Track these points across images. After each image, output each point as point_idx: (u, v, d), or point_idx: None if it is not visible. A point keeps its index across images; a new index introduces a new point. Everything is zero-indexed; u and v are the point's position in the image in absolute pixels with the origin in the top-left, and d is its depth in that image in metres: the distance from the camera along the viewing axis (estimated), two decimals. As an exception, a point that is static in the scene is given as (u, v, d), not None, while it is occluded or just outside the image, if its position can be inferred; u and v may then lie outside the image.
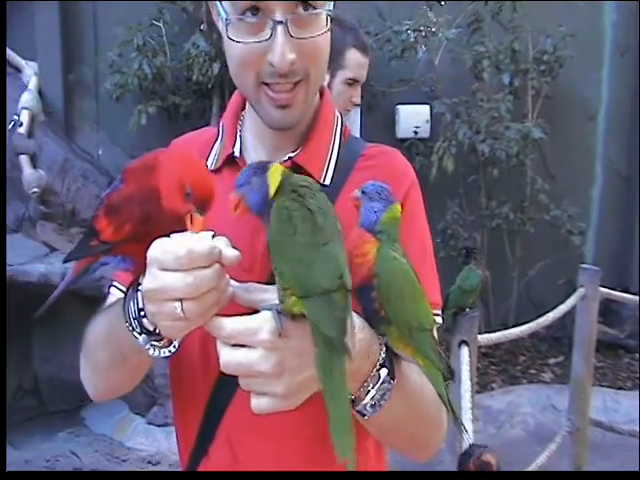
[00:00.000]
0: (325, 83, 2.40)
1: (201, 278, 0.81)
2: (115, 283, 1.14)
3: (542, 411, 4.28)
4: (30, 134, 3.90)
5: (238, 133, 1.15)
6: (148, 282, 0.84)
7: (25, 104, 3.89)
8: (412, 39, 4.29)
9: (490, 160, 4.49)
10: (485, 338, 3.11)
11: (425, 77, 4.53)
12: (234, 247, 0.85)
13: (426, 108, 4.58)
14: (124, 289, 1.09)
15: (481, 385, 4.39)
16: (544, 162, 4.94)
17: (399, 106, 4.54)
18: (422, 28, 4.32)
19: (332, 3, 1.01)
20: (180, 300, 0.81)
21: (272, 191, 0.86)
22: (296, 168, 1.08)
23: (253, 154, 1.13)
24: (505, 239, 4.78)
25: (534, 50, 4.66)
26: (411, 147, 4.54)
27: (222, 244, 0.84)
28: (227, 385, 1.05)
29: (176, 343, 0.93)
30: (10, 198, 3.92)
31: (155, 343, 0.92)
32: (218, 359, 1.02)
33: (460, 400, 2.59)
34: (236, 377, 0.92)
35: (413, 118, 4.54)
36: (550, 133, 4.60)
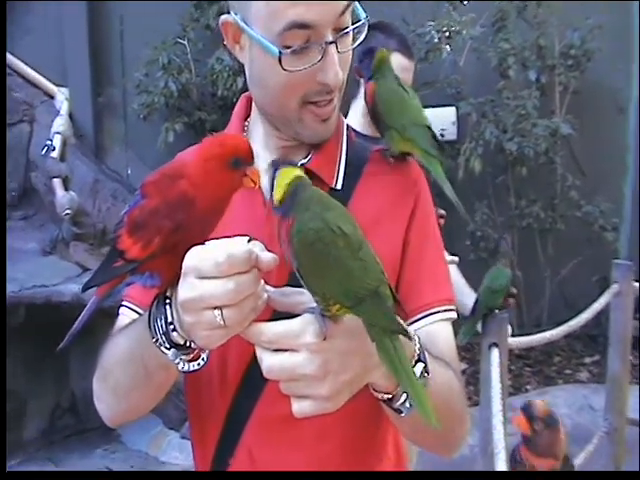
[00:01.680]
0: None
1: (241, 284, 0.80)
2: (125, 303, 1.14)
3: (579, 412, 4.24)
4: (62, 158, 4.00)
5: None
6: (186, 292, 0.82)
7: (57, 129, 3.99)
8: (436, 40, 4.25)
9: (518, 159, 4.43)
10: (517, 341, 3.09)
11: (450, 78, 4.49)
12: (269, 251, 0.84)
13: (452, 110, 4.54)
14: (136, 308, 1.12)
15: (516, 387, 4.37)
16: (574, 158, 4.86)
17: (425, 109, 4.51)
18: (445, 28, 4.27)
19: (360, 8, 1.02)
20: (220, 308, 0.80)
21: (277, 197, 0.84)
22: (308, 174, 1.09)
23: (263, 164, 1.10)
24: (536, 238, 4.73)
25: (561, 45, 4.58)
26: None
27: (258, 248, 0.84)
28: (246, 398, 1.06)
29: (204, 356, 0.92)
30: (45, 221, 4.03)
31: (184, 357, 0.91)
32: (235, 371, 1.05)
33: (491, 403, 2.60)
34: (260, 386, 0.93)
35: (439, 121, 4.50)
36: (579, 128, 4.52)
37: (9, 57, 4.10)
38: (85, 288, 0.95)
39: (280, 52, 0.97)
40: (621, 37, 4.90)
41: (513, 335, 2.88)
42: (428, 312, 1.09)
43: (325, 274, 0.80)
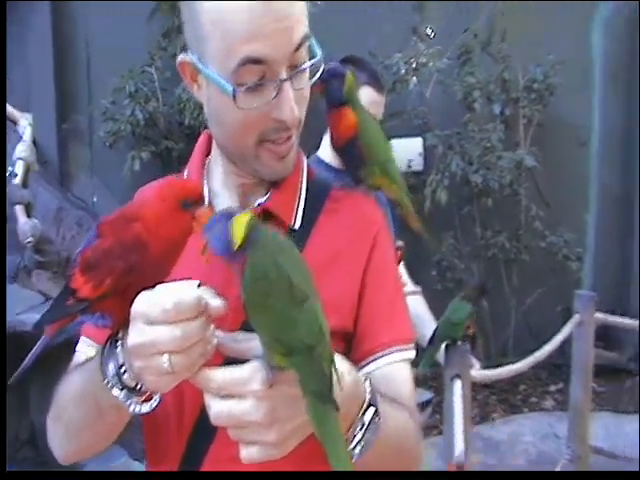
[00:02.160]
0: None
1: (189, 330, 0.80)
2: (83, 339, 1.12)
3: (543, 440, 4.26)
4: (25, 184, 3.93)
5: (204, 181, 1.15)
6: (135, 337, 0.82)
7: (20, 155, 3.92)
8: (403, 72, 4.32)
9: (484, 190, 4.51)
10: (482, 374, 3.11)
11: (417, 110, 4.56)
12: (223, 295, 0.84)
13: (419, 141, 4.60)
14: (92, 344, 1.10)
15: (482, 416, 4.39)
16: (538, 190, 4.95)
17: (392, 140, 4.54)
18: (412, 60, 4.34)
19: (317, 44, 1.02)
20: (168, 354, 0.80)
21: (236, 242, 0.83)
22: (267, 214, 1.09)
23: (222, 201, 1.13)
24: (502, 268, 4.79)
25: (524, 79, 4.68)
26: (405, 180, 4.55)
27: (208, 294, 0.83)
28: (201, 441, 1.05)
29: (157, 397, 0.91)
30: (7, 249, 3.95)
31: (135, 399, 0.90)
32: (191, 413, 1.04)
33: (453, 434, 2.60)
34: (213, 429, 0.91)
35: (406, 151, 4.56)
36: (543, 160, 4.62)
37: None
38: (37, 325, 0.94)
39: (234, 90, 0.97)
40: (582, 72, 5.04)
41: (480, 361, 2.90)
42: (385, 352, 1.08)
43: (265, 313, 0.81)
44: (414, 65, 4.29)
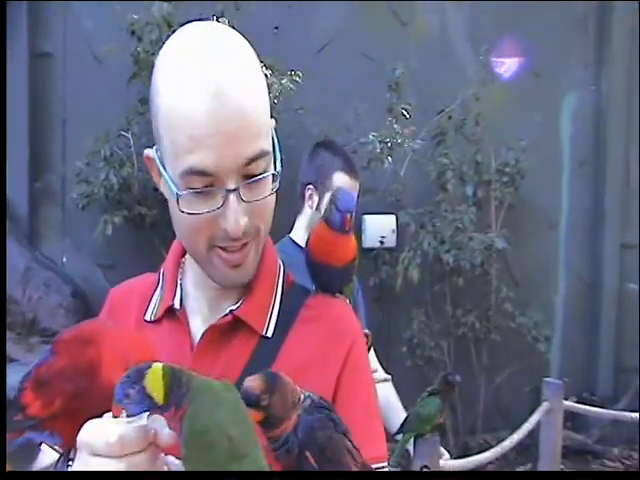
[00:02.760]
0: (314, 204, 2.44)
1: (134, 464, 0.78)
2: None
3: (510, 524, 4.16)
4: (-8, 242, 3.86)
5: (178, 282, 1.13)
6: (79, 467, 0.80)
7: (-11, 213, 3.87)
8: (378, 150, 4.39)
9: (455, 269, 4.54)
10: (450, 465, 3.06)
11: (391, 187, 4.62)
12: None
13: (392, 218, 4.65)
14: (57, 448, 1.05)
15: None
16: (508, 270, 5.01)
17: (365, 216, 4.60)
18: (388, 139, 4.43)
19: (279, 159, 1.01)
20: None
21: (159, 400, 0.79)
22: (237, 321, 1.07)
23: (194, 304, 1.11)
24: (471, 347, 4.78)
25: (496, 162, 4.80)
26: (377, 256, 4.58)
27: (158, 424, 0.81)
28: None
29: None
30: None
31: None
32: None
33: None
34: None
35: (379, 228, 4.60)
36: (514, 242, 4.69)
37: None
38: None
39: (177, 194, 0.96)
40: (552, 156, 5.20)
41: (447, 445, 2.85)
42: None
43: (205, 466, 0.78)
44: (389, 144, 4.37)
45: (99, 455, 0.77)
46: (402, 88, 4.53)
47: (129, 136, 4.00)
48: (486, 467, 4.72)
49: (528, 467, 4.73)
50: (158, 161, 1.01)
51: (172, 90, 0.95)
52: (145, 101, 4.11)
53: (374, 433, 1.09)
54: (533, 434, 4.40)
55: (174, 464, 0.85)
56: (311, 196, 2.45)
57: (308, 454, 0.87)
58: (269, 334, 1.08)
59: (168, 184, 0.98)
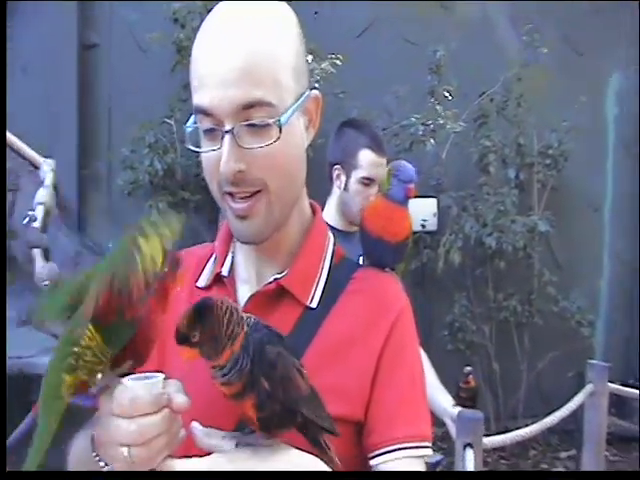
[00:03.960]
0: (342, 183, 2.45)
1: (145, 425, 0.81)
2: None
3: (554, 508, 4.15)
4: (44, 228, 3.97)
5: (229, 252, 1.15)
6: (97, 427, 0.85)
7: (40, 199, 3.96)
8: (420, 133, 4.38)
9: (497, 253, 4.51)
10: (492, 441, 3.06)
11: (432, 170, 4.60)
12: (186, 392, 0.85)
13: (433, 201, 4.64)
14: None
15: (490, 482, 4.28)
16: (551, 254, 4.96)
17: (407, 199, 4.59)
18: (429, 122, 4.41)
19: (287, 114, 1.00)
20: (127, 446, 0.81)
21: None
22: (282, 290, 1.08)
23: (243, 273, 1.13)
24: (513, 331, 4.75)
25: (539, 144, 4.75)
26: (419, 240, 4.57)
27: (172, 389, 0.84)
28: None
29: None
30: (22, 290, 3.96)
31: None
32: None
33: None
34: None
35: (421, 211, 4.59)
36: (557, 225, 4.63)
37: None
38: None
39: (186, 127, 1.02)
40: (595, 139, 5.11)
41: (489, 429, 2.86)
42: (394, 447, 1.02)
43: None
44: (431, 127, 4.35)
45: (114, 415, 0.82)
46: (443, 71, 4.50)
47: (172, 123, 4.07)
48: (529, 452, 4.72)
49: (572, 453, 4.70)
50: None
51: (196, 38, 1.02)
52: (187, 88, 4.17)
53: (417, 411, 1.07)
54: (577, 420, 4.37)
55: (197, 429, 0.89)
56: (339, 176, 2.43)
57: (259, 372, 0.85)
58: (314, 305, 1.08)
59: (187, 129, 1.04)
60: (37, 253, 3.92)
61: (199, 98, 0.98)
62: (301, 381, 0.89)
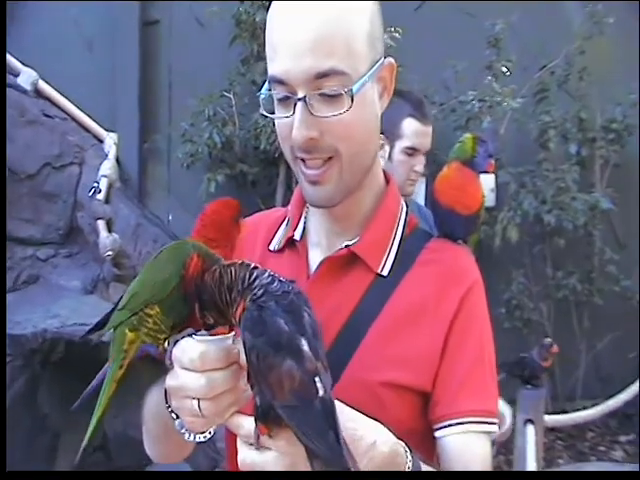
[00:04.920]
0: (386, 154, 2.42)
1: (214, 380, 0.84)
2: None
3: (611, 493, 4.06)
4: (107, 200, 4.09)
5: (303, 217, 1.17)
6: (169, 379, 0.88)
7: (104, 172, 4.10)
8: (477, 109, 4.31)
9: (556, 230, 4.41)
10: (554, 419, 3.01)
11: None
12: None
13: (491, 177, 4.56)
14: None
15: (547, 460, 4.21)
16: (613, 232, 4.82)
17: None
18: (487, 98, 4.34)
19: (360, 83, 1.00)
20: (197, 399, 0.84)
21: None
22: (353, 257, 1.09)
23: (315, 238, 1.15)
24: (572, 310, 4.65)
25: (602, 118, 4.61)
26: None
27: (242, 346, 0.85)
28: None
29: (212, 429, 0.93)
30: (88, 260, 4.11)
31: None
32: None
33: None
34: None
35: (478, 187, 4.52)
36: (619, 202, 4.50)
37: (65, 102, 4.28)
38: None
39: (261, 94, 1.03)
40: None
41: (546, 409, 2.81)
42: (461, 421, 1.02)
43: None
44: (488, 103, 4.27)
45: (185, 369, 0.85)
46: (502, 44, 4.41)
47: (231, 96, 4.12)
48: (586, 434, 4.62)
49: (630, 438, 4.59)
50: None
51: (270, 8, 1.03)
52: (246, 62, 4.23)
53: (484, 385, 1.06)
54: (637, 403, 4.25)
55: None
56: (382, 146, 2.38)
57: (250, 358, 0.82)
58: (385, 273, 1.09)
59: (262, 96, 1.06)
60: (101, 224, 4.05)
61: (273, 67, 1.00)
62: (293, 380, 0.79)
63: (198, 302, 0.89)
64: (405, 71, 4.24)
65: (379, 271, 1.08)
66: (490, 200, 4.59)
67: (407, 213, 1.17)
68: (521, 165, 4.51)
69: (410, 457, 0.89)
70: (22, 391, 3.59)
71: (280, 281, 0.85)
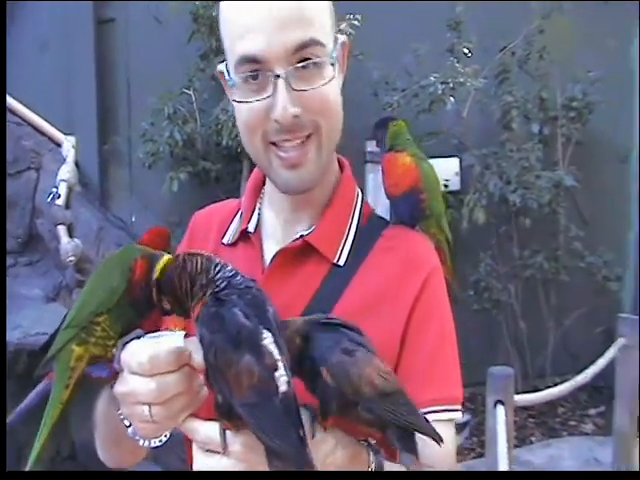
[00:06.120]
0: None
1: (165, 384, 0.81)
2: None
3: (584, 465, 4.16)
4: (67, 205, 4.01)
5: (256, 209, 1.14)
6: (118, 384, 0.85)
7: (63, 176, 4.01)
8: (440, 92, 4.29)
9: (522, 210, 4.45)
10: (523, 399, 3.07)
11: (454, 130, 4.53)
12: None
13: (455, 161, 4.57)
14: None
15: (519, 439, 4.31)
16: (577, 209, 4.88)
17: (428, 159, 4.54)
18: (449, 80, 4.32)
19: (335, 51, 1.00)
20: (149, 404, 0.81)
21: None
22: (309, 247, 1.07)
23: (269, 229, 1.13)
24: (539, 289, 4.72)
25: (563, 97, 4.63)
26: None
27: (193, 346, 0.83)
28: None
29: (167, 433, 0.90)
30: (49, 267, 4.03)
31: None
32: None
33: (497, 460, 2.56)
34: None
35: (443, 171, 4.52)
36: (582, 179, 4.55)
37: (19, 106, 4.16)
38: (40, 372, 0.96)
39: (230, 80, 1.00)
40: (621, 89, 4.97)
41: (517, 388, 2.86)
42: (423, 410, 0.98)
43: None
44: (451, 85, 4.25)
45: (134, 373, 0.82)
46: (463, 26, 4.39)
47: (191, 93, 4.04)
48: (557, 409, 4.73)
49: (600, 410, 4.70)
50: (225, 71, 1.03)
51: None
52: (205, 57, 4.14)
53: (447, 372, 1.05)
54: (605, 376, 4.35)
55: None
56: None
57: (207, 355, 0.80)
58: (341, 262, 1.07)
59: (226, 76, 1.02)
60: (61, 230, 3.98)
61: (245, 46, 0.96)
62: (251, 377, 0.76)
63: (156, 286, 0.87)
64: (365, 59, 4.21)
65: (335, 261, 1.07)
66: (455, 184, 4.61)
67: (362, 200, 1.15)
68: (485, 147, 4.52)
69: (373, 458, 0.89)
70: (-15, 405, 3.56)
71: (242, 276, 0.84)
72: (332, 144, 1.05)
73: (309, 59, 0.96)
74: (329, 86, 0.99)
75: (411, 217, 1.18)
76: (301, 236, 1.07)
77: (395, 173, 1.19)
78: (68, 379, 0.89)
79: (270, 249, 1.10)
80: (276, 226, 1.11)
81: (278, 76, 0.95)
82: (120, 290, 0.88)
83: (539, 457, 4.19)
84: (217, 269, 0.83)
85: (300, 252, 1.07)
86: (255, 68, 0.96)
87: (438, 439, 0.87)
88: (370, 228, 1.12)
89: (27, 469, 0.93)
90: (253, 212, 1.14)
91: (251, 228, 1.13)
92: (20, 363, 3.55)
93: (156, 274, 0.87)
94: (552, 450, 4.26)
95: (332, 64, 0.99)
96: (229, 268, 0.84)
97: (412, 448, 0.87)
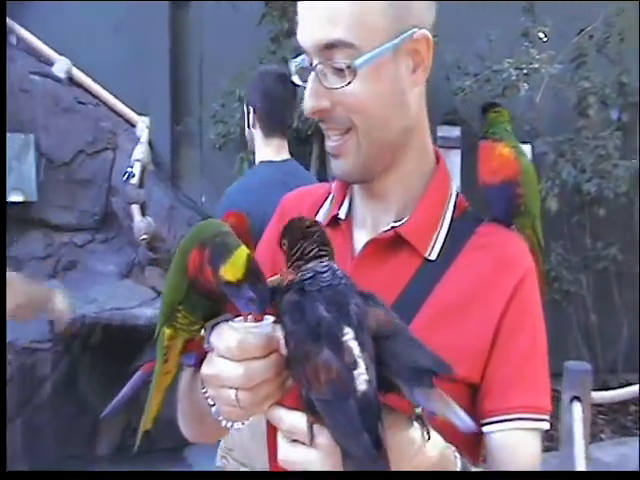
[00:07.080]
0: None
1: (252, 369, 0.79)
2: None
3: (659, 466, 4.02)
4: (141, 184, 4.12)
5: (347, 194, 1.12)
6: (206, 367, 0.84)
7: (137, 156, 4.12)
8: (513, 77, 4.20)
9: (596, 199, 4.31)
10: (601, 396, 2.98)
11: (526, 115, 4.42)
12: None
13: (527, 148, 4.44)
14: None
15: (590, 435, 4.18)
16: (656, 200, 4.69)
17: (500, 144, 4.45)
18: (523, 66, 4.22)
19: (368, 57, 0.96)
20: (235, 389, 0.80)
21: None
22: (400, 239, 1.04)
23: (360, 217, 1.10)
24: (613, 281, 4.56)
25: (644, 82, 4.46)
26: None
27: (283, 333, 0.81)
28: None
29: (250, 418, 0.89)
30: (123, 245, 4.16)
31: None
32: None
33: (572, 457, 2.49)
34: None
35: (514, 158, 4.43)
36: (663, 168, 4.38)
37: (97, 87, 4.29)
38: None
39: (295, 61, 1.02)
40: None
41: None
42: (510, 417, 0.96)
43: None
44: (525, 71, 4.15)
45: (222, 357, 0.80)
46: (538, 10, 4.27)
47: (262, 75, 4.07)
48: (629, 407, 4.56)
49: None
50: None
51: None
52: (276, 40, 4.17)
53: (536, 380, 1.01)
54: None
55: None
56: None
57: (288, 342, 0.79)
58: (432, 257, 1.03)
59: None
60: (135, 208, 4.09)
61: (298, 34, 1.00)
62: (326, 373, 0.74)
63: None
64: (440, 41, 4.14)
65: (427, 255, 1.03)
66: (527, 171, 4.49)
67: (457, 195, 1.11)
68: (559, 134, 4.40)
69: (460, 463, 0.85)
70: (63, 375, 3.69)
71: (334, 273, 0.82)
72: (377, 141, 1.01)
73: (336, 59, 0.95)
74: (362, 86, 0.95)
75: (506, 212, 1.11)
76: (392, 227, 1.05)
77: (492, 162, 1.12)
78: (164, 355, 0.91)
79: (360, 238, 1.09)
80: (366, 214, 1.10)
81: (313, 68, 0.97)
82: (183, 288, 0.87)
83: (609, 455, 4.05)
84: (317, 254, 0.83)
85: (391, 243, 1.05)
86: (307, 57, 0.99)
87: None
88: (463, 224, 1.08)
89: (138, 439, 0.98)
90: (344, 198, 1.12)
91: (342, 214, 1.11)
92: (94, 337, 3.70)
93: (238, 274, 0.80)
94: (624, 449, 4.11)
95: (353, 69, 0.95)
96: (324, 263, 0.83)
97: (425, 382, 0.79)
